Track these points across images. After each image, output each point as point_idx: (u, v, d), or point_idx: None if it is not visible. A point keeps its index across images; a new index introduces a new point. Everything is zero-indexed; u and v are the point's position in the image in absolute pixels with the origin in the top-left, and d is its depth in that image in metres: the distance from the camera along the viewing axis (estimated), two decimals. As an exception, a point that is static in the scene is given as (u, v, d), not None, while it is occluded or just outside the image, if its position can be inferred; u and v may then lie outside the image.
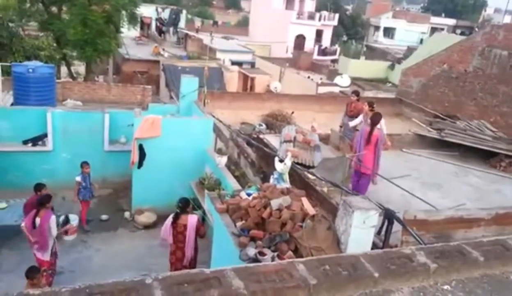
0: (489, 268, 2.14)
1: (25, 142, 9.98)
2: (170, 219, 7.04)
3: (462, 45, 14.39)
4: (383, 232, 5.10)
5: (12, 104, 12.84)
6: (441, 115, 13.84)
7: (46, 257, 6.82)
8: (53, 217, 6.87)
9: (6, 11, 20.31)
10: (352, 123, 9.86)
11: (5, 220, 8.19)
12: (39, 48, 20.20)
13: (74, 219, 8.63)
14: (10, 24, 20.18)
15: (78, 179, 8.77)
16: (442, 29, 51.63)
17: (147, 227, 9.27)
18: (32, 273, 5.80)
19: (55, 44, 21.41)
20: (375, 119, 8.23)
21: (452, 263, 2.07)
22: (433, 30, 49.74)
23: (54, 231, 6.86)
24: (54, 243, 6.99)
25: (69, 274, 7.50)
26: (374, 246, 4.59)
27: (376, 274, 1.91)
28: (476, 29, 36.51)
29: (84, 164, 8.85)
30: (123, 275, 1.73)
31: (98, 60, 21.71)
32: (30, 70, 12.26)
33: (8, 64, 14.90)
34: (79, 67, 24.65)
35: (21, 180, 9.18)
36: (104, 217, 9.47)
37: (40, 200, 6.90)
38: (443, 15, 58.12)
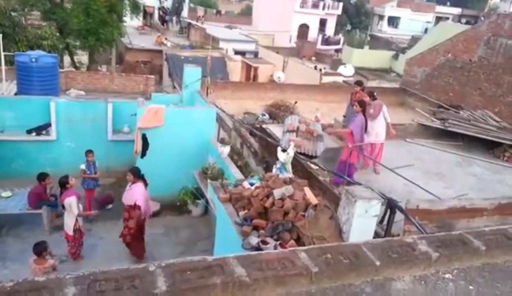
0: (490, 257, 2.14)
1: (29, 131, 10.01)
2: (146, 191, 7.56)
3: (467, 35, 14.25)
4: (385, 222, 5.11)
5: (15, 94, 12.86)
6: (445, 105, 13.77)
7: (69, 232, 7.47)
8: (72, 197, 7.33)
9: (9, 0, 20.21)
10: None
11: (10, 209, 8.26)
12: (42, 37, 20.13)
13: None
14: (13, 14, 20.12)
15: (83, 167, 8.85)
16: (447, 18, 51.04)
17: (150, 216, 9.31)
18: (38, 249, 6.00)
19: (58, 34, 21.33)
20: (363, 106, 8.14)
21: (453, 252, 2.07)
22: (438, 19, 49.19)
23: (75, 210, 7.36)
24: (76, 220, 7.43)
25: (73, 262, 7.59)
26: (376, 235, 4.60)
27: (378, 263, 1.91)
28: (482, 18, 36.08)
29: (88, 152, 8.92)
30: (126, 263, 1.74)
31: (101, 49, 21.65)
32: (33, 59, 12.25)
33: (11, 53, 14.88)
34: (82, 57, 24.60)
35: (25, 169, 9.25)
36: (107, 206, 9.51)
37: (59, 183, 7.56)
38: (448, 4, 57.41)
